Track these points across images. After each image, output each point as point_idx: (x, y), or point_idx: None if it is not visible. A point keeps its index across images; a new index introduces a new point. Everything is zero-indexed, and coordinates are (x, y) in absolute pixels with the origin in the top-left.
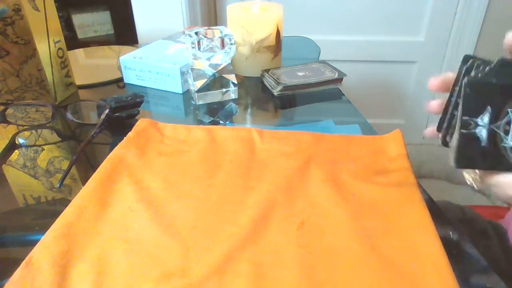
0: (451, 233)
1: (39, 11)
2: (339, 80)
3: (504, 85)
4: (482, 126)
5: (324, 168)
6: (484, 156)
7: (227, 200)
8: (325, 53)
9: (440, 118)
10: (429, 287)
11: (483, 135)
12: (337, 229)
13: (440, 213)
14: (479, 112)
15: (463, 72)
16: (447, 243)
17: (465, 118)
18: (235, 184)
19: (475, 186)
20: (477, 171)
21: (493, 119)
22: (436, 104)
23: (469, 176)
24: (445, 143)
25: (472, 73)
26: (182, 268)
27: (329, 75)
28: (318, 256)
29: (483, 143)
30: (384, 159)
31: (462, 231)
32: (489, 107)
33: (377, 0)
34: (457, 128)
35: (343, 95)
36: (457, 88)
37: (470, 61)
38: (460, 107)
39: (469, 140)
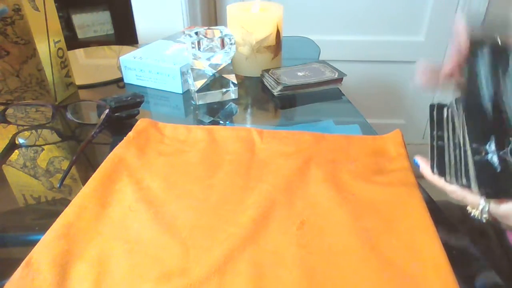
0: (451, 233)
1: (39, 11)
2: (339, 80)
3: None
4: (491, 153)
5: (324, 168)
6: (504, 181)
7: (227, 200)
8: (325, 53)
9: (432, 161)
10: (429, 287)
11: (495, 161)
12: (337, 229)
13: (440, 213)
14: (485, 141)
15: (450, 111)
16: (447, 243)
17: (474, 145)
18: (235, 184)
19: (483, 219)
20: (482, 203)
21: (499, 147)
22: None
23: (475, 211)
24: (459, 184)
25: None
26: (182, 268)
27: (329, 75)
28: (318, 256)
29: (498, 169)
30: (384, 159)
31: (462, 231)
32: (492, 136)
33: (377, 0)
34: (469, 157)
35: (343, 95)
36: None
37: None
38: (465, 137)
39: (484, 166)
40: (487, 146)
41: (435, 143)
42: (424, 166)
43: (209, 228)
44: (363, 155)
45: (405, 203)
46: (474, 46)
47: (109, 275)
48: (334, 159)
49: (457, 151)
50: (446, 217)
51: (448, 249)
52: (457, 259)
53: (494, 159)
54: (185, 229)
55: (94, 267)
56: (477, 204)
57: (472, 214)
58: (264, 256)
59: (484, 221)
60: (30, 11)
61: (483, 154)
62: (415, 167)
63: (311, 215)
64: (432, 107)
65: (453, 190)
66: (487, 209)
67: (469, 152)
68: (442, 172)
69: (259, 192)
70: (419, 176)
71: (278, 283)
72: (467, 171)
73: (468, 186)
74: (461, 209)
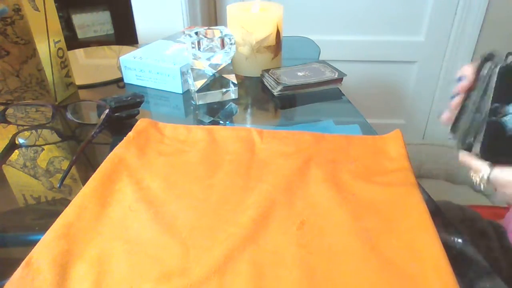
0: (451, 233)
1: (39, 11)
2: (339, 80)
3: None
4: (509, 115)
5: (324, 168)
6: (510, 146)
7: (227, 200)
8: (325, 53)
9: (455, 120)
10: (429, 287)
11: (509, 124)
12: (337, 229)
13: (440, 213)
14: (509, 101)
15: (491, 65)
16: (447, 243)
17: (495, 105)
18: (235, 184)
19: (481, 186)
20: (484, 169)
21: None
22: (446, 116)
23: (476, 176)
24: (464, 146)
25: (503, 64)
26: (182, 268)
27: (329, 75)
28: (318, 256)
29: (509, 132)
30: (384, 159)
31: (462, 231)
32: None
33: (377, 0)
34: (484, 117)
35: (343, 95)
36: (474, 92)
37: (495, 56)
38: (492, 94)
39: (495, 129)
40: (508, 107)
41: (467, 103)
42: (445, 116)
43: (209, 228)
44: (363, 155)
45: (405, 203)
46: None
47: (109, 275)
48: (334, 159)
49: (476, 109)
50: (446, 217)
51: (448, 249)
52: (457, 259)
53: (510, 122)
54: (185, 229)
55: (94, 267)
56: (479, 169)
57: (473, 179)
58: (264, 256)
59: (482, 188)
60: (30, 11)
61: (501, 115)
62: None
63: (311, 215)
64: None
65: (463, 153)
66: (487, 175)
67: (485, 112)
68: (453, 130)
69: (259, 192)
70: (419, 176)
71: (278, 283)
72: (476, 130)
73: (471, 146)
74: (462, 209)
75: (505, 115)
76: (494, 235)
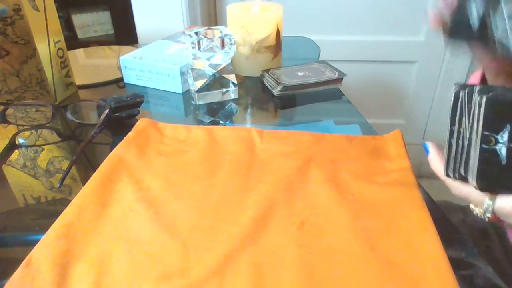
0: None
1: (39, 11)
2: (339, 80)
3: None
4: (502, 143)
5: (324, 168)
6: (505, 175)
7: (227, 200)
8: (325, 53)
9: (447, 159)
10: (429, 287)
11: (503, 153)
12: (337, 229)
13: (440, 213)
14: (499, 129)
15: (472, 94)
16: (447, 244)
17: (486, 133)
18: (235, 184)
19: (486, 218)
20: (487, 201)
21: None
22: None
23: (479, 208)
24: (459, 176)
25: (489, 94)
26: (182, 268)
27: (329, 75)
28: (318, 256)
29: (503, 162)
30: (384, 159)
31: (463, 231)
32: (508, 125)
33: (377, 0)
34: (474, 146)
35: (343, 95)
36: (456, 118)
37: (468, 87)
38: (480, 123)
39: (489, 156)
40: (499, 136)
41: (453, 141)
42: (434, 155)
43: (209, 228)
44: (363, 155)
45: (405, 203)
46: None
47: (109, 275)
48: (334, 159)
49: (462, 139)
50: (446, 217)
51: (448, 249)
52: (457, 259)
53: (503, 150)
54: (185, 229)
55: (94, 267)
56: (481, 202)
57: (475, 213)
58: (264, 256)
59: (486, 220)
60: (30, 11)
61: (492, 143)
62: (423, 153)
63: (311, 215)
64: (456, 94)
65: (457, 186)
66: (491, 208)
67: (474, 140)
68: (451, 170)
69: (259, 192)
70: (419, 176)
71: (278, 283)
72: (467, 161)
73: (465, 178)
74: (462, 209)
75: (496, 143)
76: (494, 235)
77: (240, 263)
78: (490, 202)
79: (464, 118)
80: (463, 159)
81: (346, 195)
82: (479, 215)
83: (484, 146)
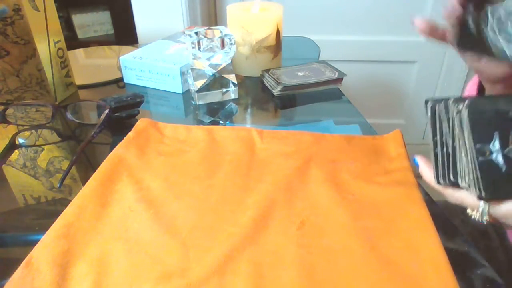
0: (451, 233)
1: (39, 11)
2: (339, 80)
3: (503, 111)
4: (496, 152)
5: (324, 168)
6: (510, 181)
7: (227, 200)
8: (325, 53)
9: (437, 171)
10: (429, 287)
11: (500, 161)
12: (337, 229)
13: (440, 213)
14: (489, 139)
15: (448, 106)
16: (447, 244)
17: (478, 146)
18: (235, 184)
19: (484, 221)
20: (481, 204)
21: (503, 144)
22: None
23: (475, 212)
24: (454, 183)
25: (467, 106)
26: (182, 268)
27: (329, 75)
28: (318, 256)
29: (503, 169)
30: (384, 159)
31: (462, 231)
32: (496, 133)
33: (377, 0)
34: (470, 160)
35: (343, 95)
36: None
37: (442, 100)
38: (470, 137)
39: (488, 168)
40: (491, 146)
41: (438, 150)
42: (423, 167)
43: (209, 228)
44: (363, 155)
45: (405, 203)
46: None
47: (109, 275)
48: (334, 159)
49: (447, 147)
50: (446, 217)
51: (448, 249)
52: (457, 259)
53: (499, 158)
54: (185, 229)
55: (94, 267)
56: (476, 205)
57: (472, 217)
58: (264, 256)
59: (485, 222)
60: (30, 11)
61: (487, 154)
62: (414, 167)
63: (311, 215)
64: (432, 107)
65: (450, 193)
66: (486, 210)
67: (470, 154)
68: (441, 177)
69: (259, 192)
70: (419, 176)
71: (278, 283)
72: (455, 166)
73: (455, 183)
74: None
75: (491, 153)
76: (494, 235)
77: (240, 263)
78: (484, 205)
79: (444, 128)
80: (450, 165)
81: (346, 195)
82: (477, 219)
83: (480, 158)
